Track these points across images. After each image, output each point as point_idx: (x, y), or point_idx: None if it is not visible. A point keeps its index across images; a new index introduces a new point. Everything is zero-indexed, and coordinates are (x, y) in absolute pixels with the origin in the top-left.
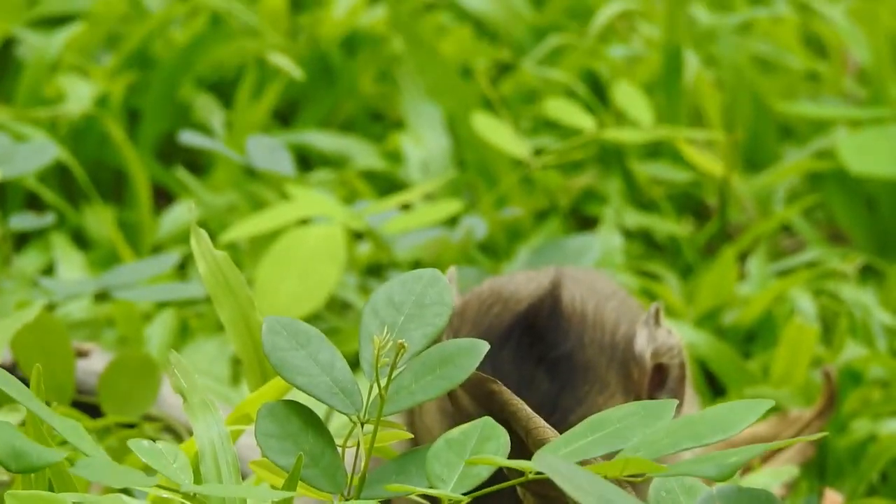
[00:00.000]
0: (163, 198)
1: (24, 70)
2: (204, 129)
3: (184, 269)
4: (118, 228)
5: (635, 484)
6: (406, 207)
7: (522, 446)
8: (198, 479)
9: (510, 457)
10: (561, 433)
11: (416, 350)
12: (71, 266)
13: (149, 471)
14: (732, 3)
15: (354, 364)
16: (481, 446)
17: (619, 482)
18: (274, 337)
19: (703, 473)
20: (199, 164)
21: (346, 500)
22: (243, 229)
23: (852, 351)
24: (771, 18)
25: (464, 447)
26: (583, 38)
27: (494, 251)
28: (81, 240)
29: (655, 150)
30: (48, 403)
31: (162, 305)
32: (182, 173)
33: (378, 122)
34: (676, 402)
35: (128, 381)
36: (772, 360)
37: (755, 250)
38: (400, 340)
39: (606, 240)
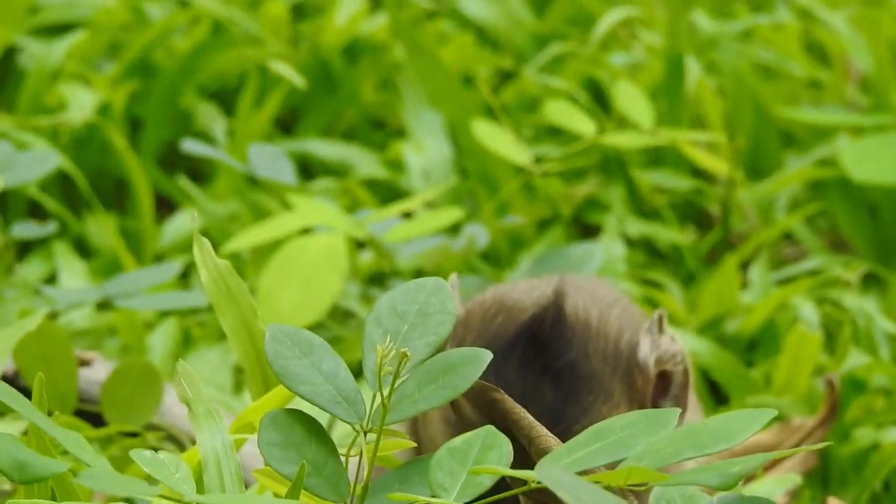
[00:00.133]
0: (165, 206)
1: (26, 78)
2: (206, 137)
3: (186, 277)
4: (120, 237)
5: (638, 493)
6: (408, 216)
7: (525, 455)
8: (200, 488)
9: (513, 466)
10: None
11: (420, 359)
12: (73, 275)
13: (151, 480)
14: (734, 11)
15: (357, 373)
16: (484, 455)
17: (622, 492)
18: (277, 346)
19: (706, 483)
20: (200, 172)
21: None
22: (246, 239)
23: (855, 359)
24: (772, 25)
25: (466, 456)
26: (584, 46)
27: (496, 259)
28: (83, 248)
29: (657, 159)
30: (50, 413)
31: (164, 314)
32: (184, 182)
33: (379, 130)
34: (679, 410)
35: (130, 389)
36: (774, 368)
37: (757, 258)
38: (403, 349)
39: (609, 248)
